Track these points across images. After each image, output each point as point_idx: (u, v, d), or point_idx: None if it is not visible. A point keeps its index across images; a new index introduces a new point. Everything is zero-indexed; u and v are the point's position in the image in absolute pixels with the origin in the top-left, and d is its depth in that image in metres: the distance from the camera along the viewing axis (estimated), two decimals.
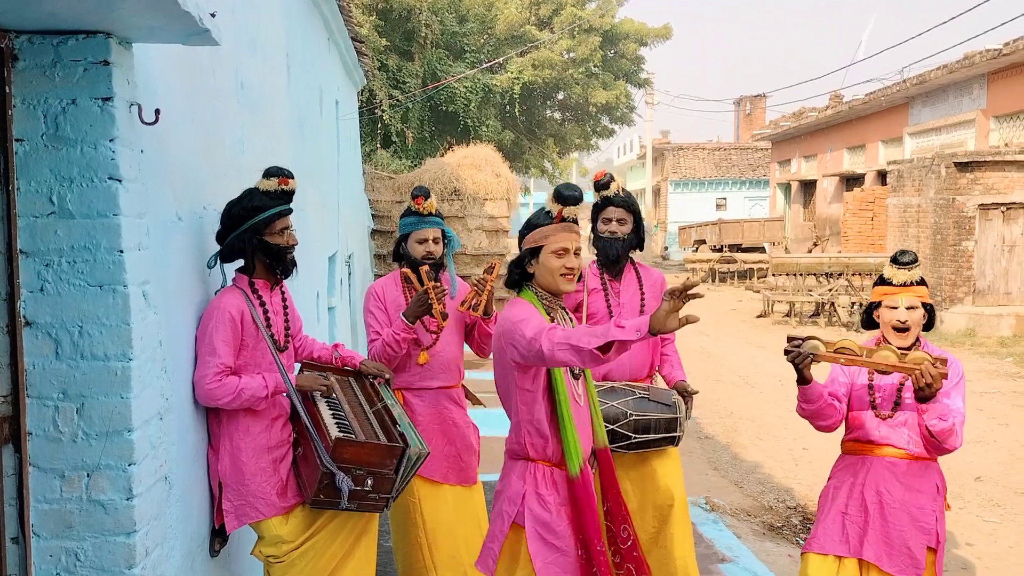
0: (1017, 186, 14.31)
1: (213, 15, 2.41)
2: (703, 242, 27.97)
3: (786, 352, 3.12)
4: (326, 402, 3.38)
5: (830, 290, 16.58)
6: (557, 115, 24.66)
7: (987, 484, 6.84)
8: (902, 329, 3.19)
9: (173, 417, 2.81)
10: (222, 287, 3.29)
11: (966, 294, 14.61)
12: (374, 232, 13.04)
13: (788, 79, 37.46)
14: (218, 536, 3.25)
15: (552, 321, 2.93)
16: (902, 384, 3.20)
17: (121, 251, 2.39)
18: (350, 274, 9.83)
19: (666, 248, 36.03)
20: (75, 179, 2.37)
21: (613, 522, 2.98)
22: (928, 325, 3.26)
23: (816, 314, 16.69)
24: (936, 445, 3.15)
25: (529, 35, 21.31)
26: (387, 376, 3.69)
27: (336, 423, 3.23)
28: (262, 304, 3.25)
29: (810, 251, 23.29)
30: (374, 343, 3.83)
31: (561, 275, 2.87)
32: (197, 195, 3.26)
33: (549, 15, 22.63)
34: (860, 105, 21.62)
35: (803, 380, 3.18)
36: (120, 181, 2.39)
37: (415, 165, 17.07)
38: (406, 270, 3.89)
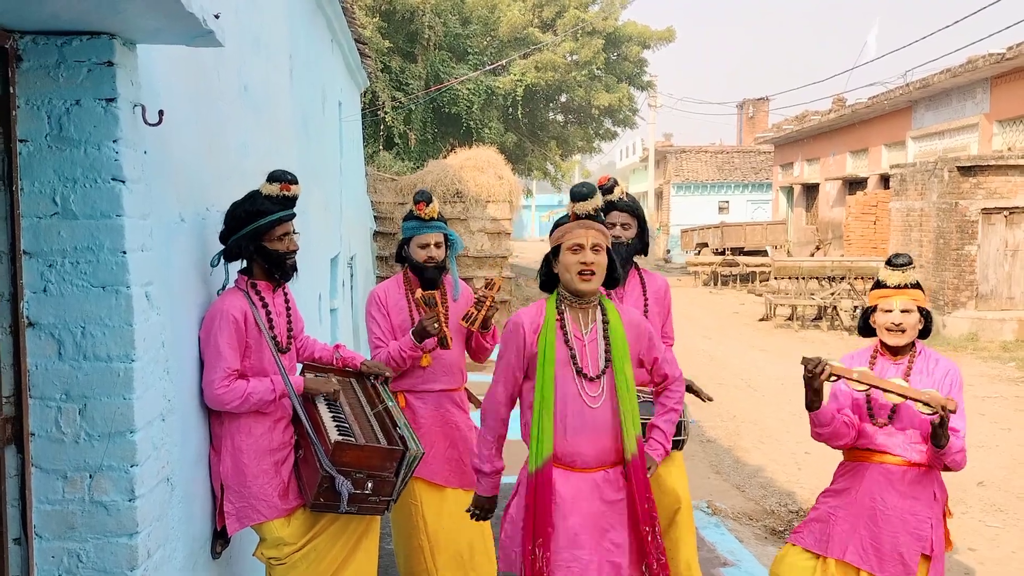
0: (1020, 190, 14.29)
1: (217, 16, 2.41)
2: (705, 245, 27.96)
3: (804, 364, 3.11)
4: (326, 404, 3.38)
5: (832, 294, 16.56)
6: (560, 117, 24.66)
7: (989, 489, 6.82)
8: (896, 331, 3.19)
9: (175, 418, 2.81)
10: (224, 287, 3.29)
11: (969, 298, 14.59)
12: (376, 234, 13.04)
13: (791, 82, 37.66)
14: (220, 538, 3.25)
15: (563, 329, 2.91)
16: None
17: (124, 252, 2.39)
18: (352, 276, 9.83)
19: (668, 251, 36.01)
20: (79, 180, 2.37)
21: (640, 538, 2.91)
22: (924, 332, 3.26)
23: (818, 318, 16.68)
24: (951, 468, 3.18)
25: (532, 37, 21.32)
26: (387, 375, 3.69)
27: (336, 426, 3.23)
28: (264, 305, 3.25)
29: (812, 255, 23.27)
30: (378, 351, 3.83)
31: (577, 272, 2.86)
32: (200, 196, 3.26)
33: (552, 17, 22.64)
34: (863, 109, 21.60)
35: (813, 406, 3.16)
36: (123, 182, 2.39)
37: (418, 167, 17.07)
38: (419, 293, 3.87)
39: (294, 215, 3.30)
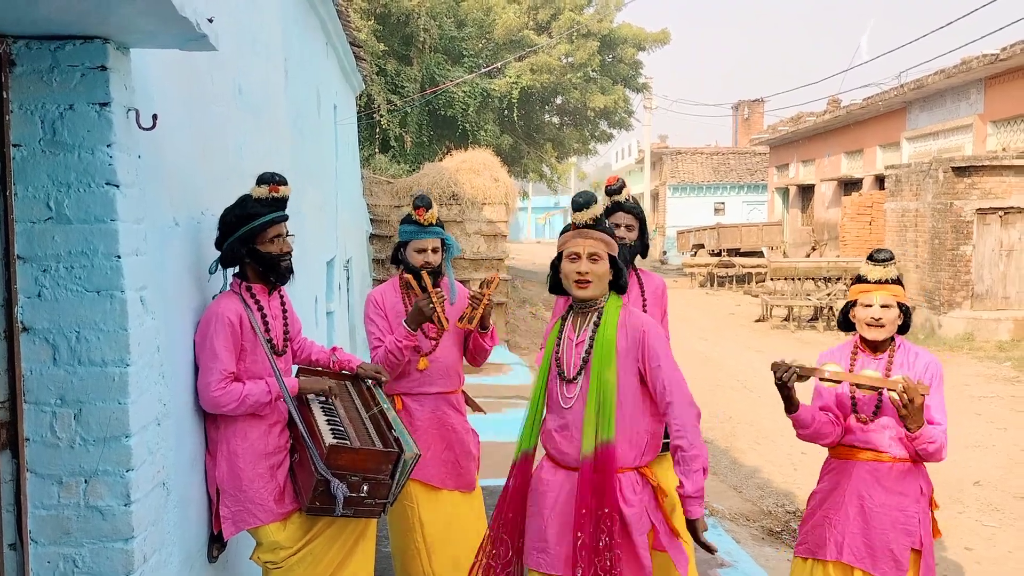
0: (1015, 190, 14.33)
1: (211, 20, 2.41)
2: (701, 246, 27.98)
3: (774, 370, 3.13)
4: (322, 408, 3.38)
5: (828, 294, 16.60)
6: (555, 120, 24.68)
7: (986, 488, 6.83)
8: (876, 326, 3.22)
9: (171, 423, 2.81)
10: (221, 291, 3.28)
11: (964, 298, 14.62)
12: (372, 236, 13.04)
13: (786, 84, 37.68)
14: (216, 542, 3.25)
15: (560, 334, 3.04)
16: (880, 394, 3.21)
17: (118, 256, 2.39)
18: (348, 279, 9.83)
19: (664, 253, 36.04)
20: (72, 184, 2.37)
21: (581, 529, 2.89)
22: (904, 328, 3.28)
23: (814, 318, 16.70)
24: (924, 458, 3.20)
25: (527, 40, 21.33)
26: (383, 378, 3.68)
27: (331, 429, 3.23)
28: (260, 308, 3.24)
29: (808, 255, 23.31)
30: (377, 350, 3.83)
31: (574, 281, 2.95)
32: (195, 200, 3.25)
33: (547, 20, 22.66)
34: (858, 110, 21.64)
35: (791, 408, 3.21)
36: (117, 186, 2.39)
37: (413, 170, 17.06)
38: (407, 276, 3.88)
39: (286, 216, 3.29)
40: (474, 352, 4.02)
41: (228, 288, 3.27)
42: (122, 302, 2.40)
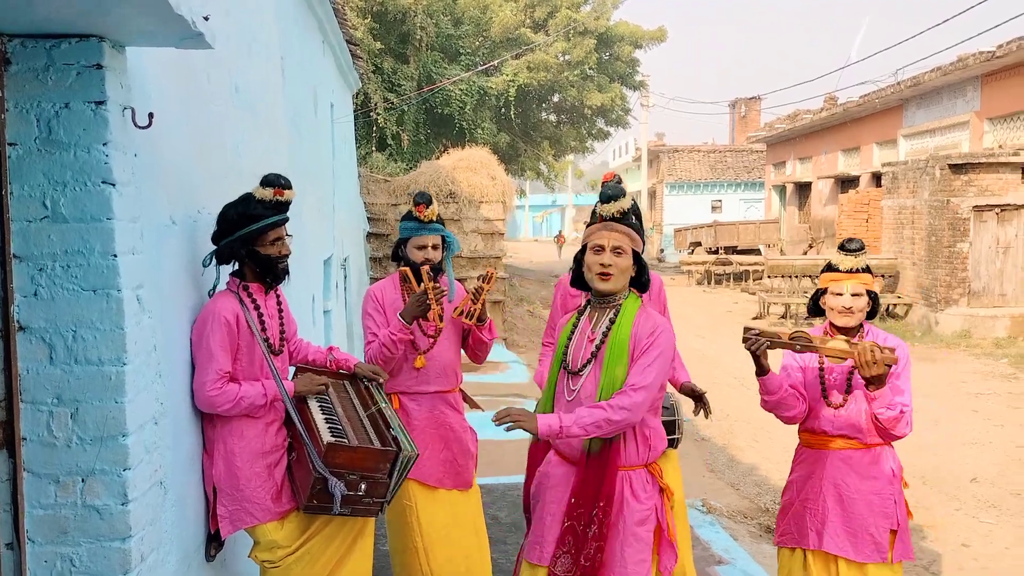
0: (1011, 188, 14.35)
1: (207, 18, 2.40)
2: (699, 244, 28.01)
3: (744, 340, 3.22)
4: (319, 406, 3.37)
5: None
6: (552, 118, 24.68)
7: (983, 485, 6.85)
8: (847, 313, 3.29)
9: (168, 422, 2.80)
10: (214, 288, 3.27)
11: (961, 295, 14.64)
12: (370, 235, 13.03)
13: (783, 81, 37.73)
14: (214, 541, 3.24)
15: (575, 328, 3.07)
16: (852, 370, 3.27)
17: (115, 255, 2.38)
18: (346, 277, 9.82)
19: (662, 250, 36.06)
20: (68, 183, 2.36)
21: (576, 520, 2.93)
22: (872, 313, 3.37)
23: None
24: (886, 432, 3.25)
25: (524, 38, 21.33)
26: (382, 379, 3.68)
27: (329, 428, 3.22)
28: (257, 308, 3.24)
29: (805, 253, 23.32)
30: (371, 344, 3.82)
31: (596, 273, 2.95)
32: (191, 199, 3.25)
33: (544, 18, 22.65)
34: (854, 107, 21.65)
35: (761, 371, 3.26)
36: (113, 185, 2.38)
37: (410, 168, 17.05)
38: (405, 269, 3.88)
39: (287, 219, 3.29)
40: (475, 347, 4.00)
41: (224, 286, 3.26)
42: (118, 301, 2.40)
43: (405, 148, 19.45)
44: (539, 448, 3.16)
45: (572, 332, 3.09)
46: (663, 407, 3.80)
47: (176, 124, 3.06)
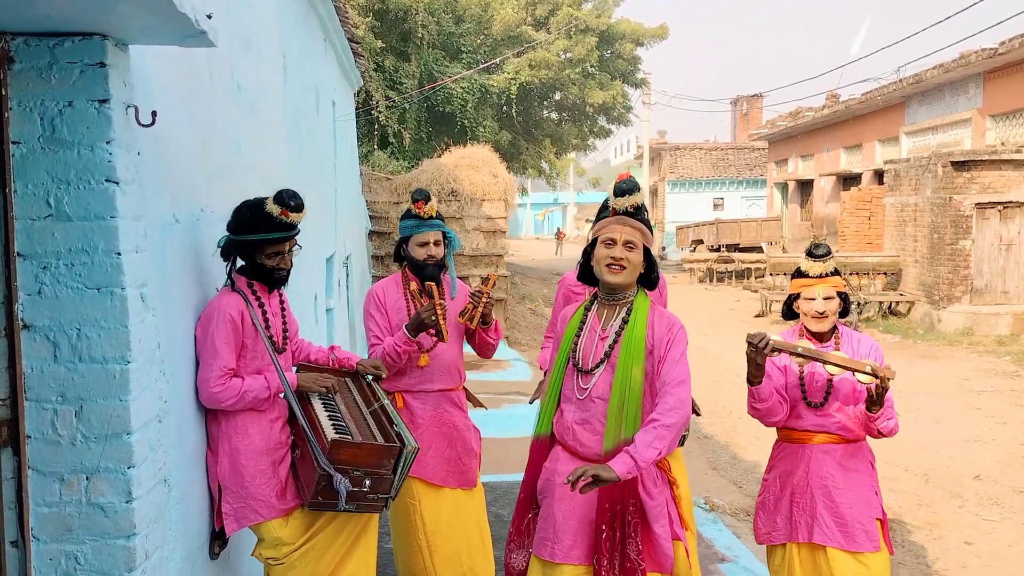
0: (1014, 185, 14.33)
1: (209, 16, 2.40)
2: (700, 242, 27.99)
3: (748, 342, 3.22)
4: (322, 403, 3.38)
5: None
6: (554, 115, 24.66)
7: (986, 483, 6.84)
8: (820, 318, 3.36)
9: (172, 419, 2.81)
10: (231, 272, 3.25)
11: (963, 293, 14.63)
12: (372, 233, 13.03)
13: (784, 79, 37.60)
14: (218, 539, 3.25)
15: (582, 324, 3.02)
16: (831, 380, 3.33)
17: (119, 253, 2.39)
18: (348, 275, 9.83)
19: (664, 248, 36.05)
20: (72, 181, 2.36)
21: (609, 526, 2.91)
22: (843, 313, 3.44)
23: None
24: (878, 435, 3.31)
25: (525, 35, 21.31)
26: (383, 374, 3.68)
27: (332, 424, 3.23)
28: (261, 306, 3.24)
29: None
30: (375, 348, 3.82)
31: (606, 265, 2.93)
32: (194, 197, 3.25)
33: (545, 15, 22.63)
34: (857, 105, 21.63)
35: (755, 381, 3.29)
36: (117, 183, 2.38)
37: (412, 166, 17.05)
38: (414, 282, 3.85)
39: (290, 238, 3.25)
40: (480, 346, 4.03)
41: (229, 282, 3.26)
42: (122, 299, 2.40)
43: (407, 146, 19.44)
44: (542, 445, 3.14)
45: (580, 328, 3.05)
46: None
47: (179, 122, 3.06)
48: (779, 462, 3.49)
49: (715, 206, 36.77)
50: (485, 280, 3.84)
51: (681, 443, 3.93)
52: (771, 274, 19.13)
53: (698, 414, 4.02)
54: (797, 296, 3.43)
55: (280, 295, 3.43)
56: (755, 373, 3.26)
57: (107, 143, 2.36)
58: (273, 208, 3.13)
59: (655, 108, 32.02)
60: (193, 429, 3.08)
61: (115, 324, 2.40)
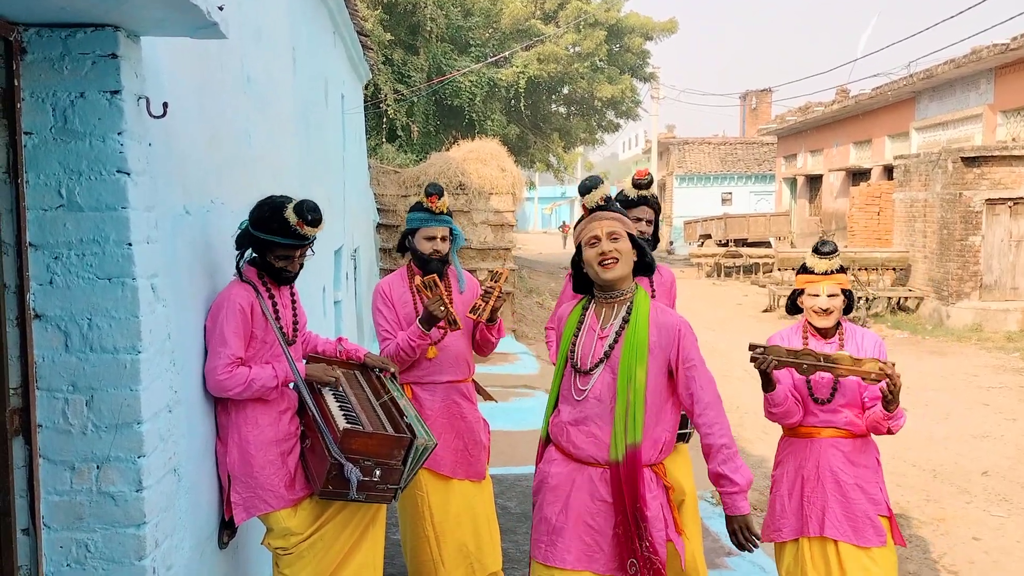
0: None
1: (221, 8, 2.41)
2: (708, 237, 27.93)
3: (752, 360, 3.25)
4: (333, 394, 3.39)
5: None
6: (562, 109, 24.61)
7: (994, 479, 6.83)
8: (824, 315, 3.37)
9: (182, 410, 2.82)
10: (239, 270, 3.27)
11: (973, 289, 14.57)
12: (380, 226, 13.04)
13: (794, 73, 37.46)
14: (227, 528, 3.27)
15: (580, 323, 2.95)
16: (837, 380, 3.33)
17: (130, 244, 2.40)
18: (356, 268, 9.84)
19: (672, 243, 36.00)
20: (84, 172, 2.37)
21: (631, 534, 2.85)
22: (847, 310, 3.44)
23: None
24: (886, 433, 3.32)
25: (534, 29, 21.26)
26: (392, 369, 3.69)
27: (343, 415, 3.24)
28: (272, 297, 3.26)
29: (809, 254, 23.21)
30: (387, 343, 3.83)
31: (599, 263, 2.86)
32: (205, 189, 3.26)
33: (554, 9, 22.58)
34: (866, 100, 21.54)
35: (769, 386, 3.30)
36: (128, 174, 2.39)
37: (420, 159, 17.05)
38: (417, 280, 3.85)
39: (301, 247, 3.25)
40: (480, 344, 4.03)
41: (238, 272, 3.27)
42: (133, 289, 2.41)
43: (415, 139, 19.43)
44: (543, 446, 3.11)
45: (578, 328, 2.97)
46: None
47: (190, 114, 3.07)
48: (787, 457, 3.49)
49: (723, 201, 36.69)
50: (496, 276, 3.84)
51: (686, 440, 3.93)
52: (779, 269, 19.09)
53: None
54: (802, 291, 3.43)
55: (291, 287, 3.45)
56: (766, 381, 3.28)
57: (119, 134, 2.37)
58: (291, 216, 3.13)
59: (664, 102, 31.94)
60: (203, 419, 3.10)
61: (126, 314, 2.41)
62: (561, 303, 4.05)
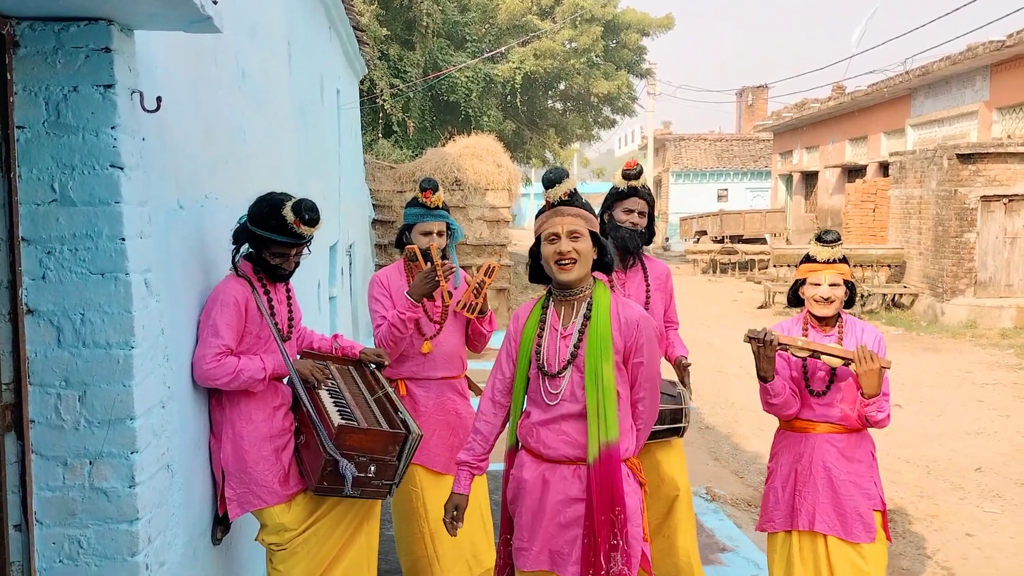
0: (1019, 178, 14.27)
1: (215, 2, 2.40)
2: (704, 233, 27.95)
3: (751, 339, 3.25)
4: (327, 390, 3.39)
5: None
6: (558, 105, 24.60)
7: (987, 475, 6.84)
8: (825, 303, 3.36)
9: (175, 405, 2.82)
10: (235, 264, 3.26)
11: (967, 286, 14.60)
12: (375, 222, 13.03)
13: (790, 70, 37.42)
14: (220, 524, 3.27)
15: (541, 323, 2.82)
16: (833, 369, 3.33)
17: (123, 239, 2.39)
18: (351, 264, 9.83)
19: (667, 239, 36.00)
20: (76, 167, 2.37)
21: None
22: (849, 302, 3.43)
23: None
24: (870, 426, 3.34)
25: (531, 24, 21.24)
26: (386, 361, 3.69)
27: (338, 411, 3.24)
28: (267, 293, 3.25)
29: (811, 242, 23.26)
30: (380, 327, 3.82)
31: (555, 262, 2.72)
32: (199, 184, 3.25)
33: (551, 4, 22.55)
34: (862, 96, 21.55)
35: (767, 376, 3.30)
36: (122, 169, 2.38)
37: (416, 155, 17.02)
38: (412, 247, 3.83)
39: (297, 246, 3.24)
40: (473, 338, 4.02)
41: (233, 268, 3.26)
42: (126, 284, 2.40)
43: (411, 135, 19.41)
44: (512, 455, 2.97)
45: (540, 328, 2.83)
46: (669, 395, 3.81)
47: (183, 109, 3.06)
48: (782, 450, 3.50)
49: (719, 197, 36.68)
50: (488, 271, 3.83)
51: (681, 434, 3.93)
52: (775, 265, 19.10)
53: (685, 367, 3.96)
54: (803, 282, 3.43)
55: (286, 284, 3.44)
56: (766, 368, 3.26)
57: (112, 128, 2.37)
58: (288, 214, 3.12)
59: (660, 98, 31.92)
60: (196, 415, 3.09)
61: (119, 309, 2.40)
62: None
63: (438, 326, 3.86)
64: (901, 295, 16.20)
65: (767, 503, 3.52)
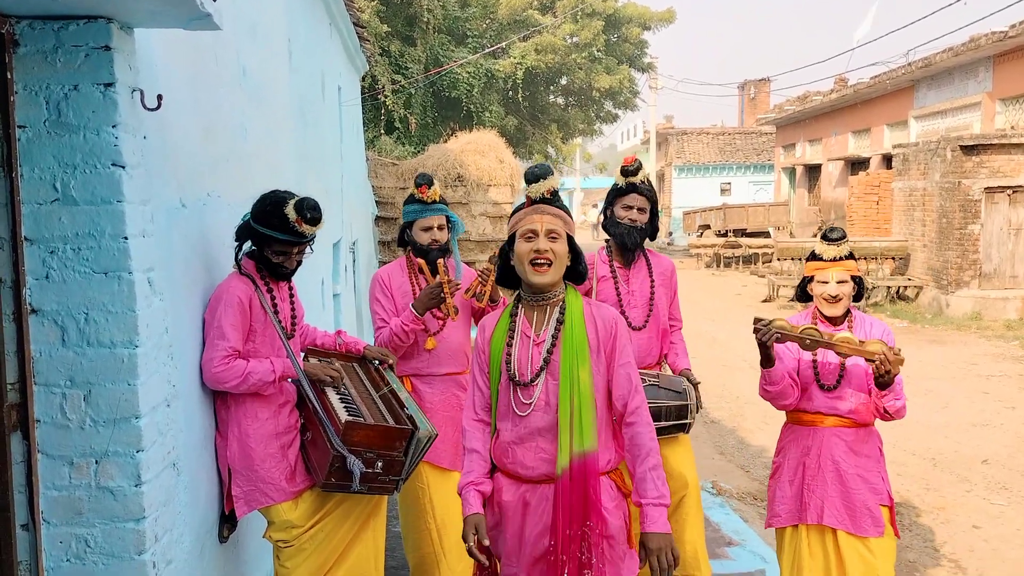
0: (1023, 169, 14.23)
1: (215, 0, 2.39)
2: (707, 227, 27.91)
3: (755, 331, 3.24)
4: (333, 388, 3.39)
5: None
6: (560, 100, 24.56)
7: (994, 467, 6.83)
8: (833, 301, 3.36)
9: (180, 404, 2.81)
10: (238, 262, 3.25)
11: (972, 277, 14.57)
12: (378, 219, 13.02)
13: (792, 63, 37.33)
14: (227, 522, 3.27)
15: (511, 331, 2.66)
16: (843, 363, 3.33)
17: (126, 238, 2.39)
18: (354, 261, 9.83)
19: (671, 233, 35.97)
20: (78, 166, 2.36)
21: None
22: (857, 297, 3.43)
23: None
24: (888, 418, 3.32)
25: (532, 20, 21.20)
26: (391, 361, 3.69)
27: (344, 407, 3.24)
28: (270, 291, 3.25)
29: (815, 235, 23.23)
30: (381, 331, 3.82)
31: (530, 262, 2.57)
32: (200, 182, 3.25)
33: None
34: (865, 89, 21.49)
35: (768, 363, 3.29)
36: (123, 167, 2.38)
37: (418, 151, 17.01)
38: (420, 261, 3.85)
39: (299, 244, 3.23)
40: None
41: (237, 265, 3.26)
42: (130, 283, 2.40)
43: (413, 131, 19.39)
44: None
45: (509, 336, 2.66)
46: (674, 391, 3.79)
47: (184, 107, 3.05)
48: (789, 444, 3.49)
49: (722, 191, 36.64)
50: (493, 259, 3.82)
51: (687, 430, 3.92)
52: (778, 259, 19.07)
53: (699, 407, 3.92)
54: (811, 279, 3.42)
55: (289, 281, 3.43)
56: (765, 356, 3.27)
57: (113, 127, 2.36)
58: (291, 212, 3.11)
59: (662, 93, 31.90)
60: (202, 413, 3.09)
61: (123, 308, 2.40)
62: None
63: (442, 322, 3.86)
64: (905, 288, 16.17)
65: (773, 498, 3.52)
